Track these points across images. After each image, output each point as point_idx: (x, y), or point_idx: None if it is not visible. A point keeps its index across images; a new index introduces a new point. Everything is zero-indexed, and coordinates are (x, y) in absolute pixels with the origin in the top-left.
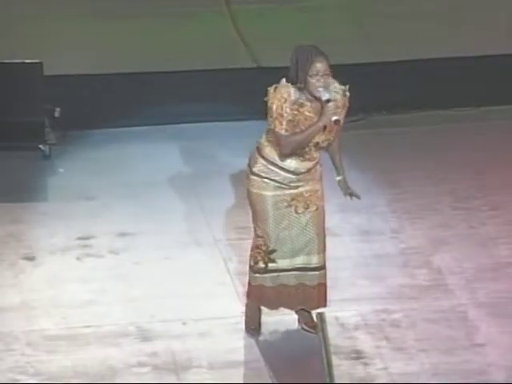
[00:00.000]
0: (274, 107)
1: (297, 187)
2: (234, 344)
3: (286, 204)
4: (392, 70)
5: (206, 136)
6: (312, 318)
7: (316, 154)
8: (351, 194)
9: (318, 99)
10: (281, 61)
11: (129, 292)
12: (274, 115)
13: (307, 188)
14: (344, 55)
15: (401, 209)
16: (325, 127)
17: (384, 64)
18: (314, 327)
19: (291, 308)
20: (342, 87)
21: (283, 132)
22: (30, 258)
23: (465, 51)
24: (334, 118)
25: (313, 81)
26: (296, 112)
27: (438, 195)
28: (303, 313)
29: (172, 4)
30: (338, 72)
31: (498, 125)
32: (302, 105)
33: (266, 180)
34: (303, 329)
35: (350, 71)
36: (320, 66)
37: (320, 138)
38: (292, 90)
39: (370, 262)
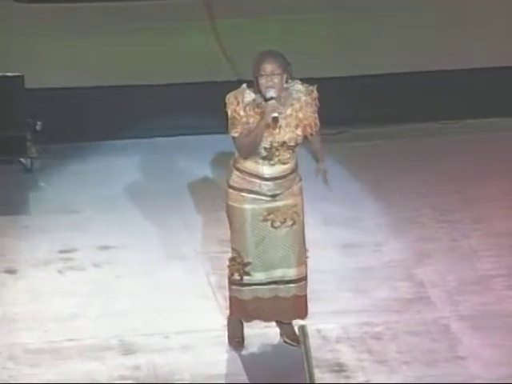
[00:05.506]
0: (229, 112)
1: (275, 200)
2: (217, 357)
3: (262, 218)
4: (376, 83)
5: (189, 149)
6: (294, 331)
7: (287, 155)
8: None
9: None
10: None
11: (111, 305)
12: (229, 119)
13: (285, 202)
14: (328, 68)
15: (384, 222)
16: (269, 126)
17: (368, 77)
18: (296, 340)
19: (266, 320)
20: (309, 88)
21: (236, 135)
22: (12, 272)
23: (449, 64)
24: (273, 115)
25: (262, 81)
26: (251, 113)
27: (421, 208)
28: (285, 326)
29: (154, 18)
30: (322, 85)
31: (481, 138)
32: (258, 106)
33: (242, 193)
34: (285, 342)
35: (334, 84)
36: (267, 66)
37: (286, 137)
38: (247, 92)
39: (353, 275)
